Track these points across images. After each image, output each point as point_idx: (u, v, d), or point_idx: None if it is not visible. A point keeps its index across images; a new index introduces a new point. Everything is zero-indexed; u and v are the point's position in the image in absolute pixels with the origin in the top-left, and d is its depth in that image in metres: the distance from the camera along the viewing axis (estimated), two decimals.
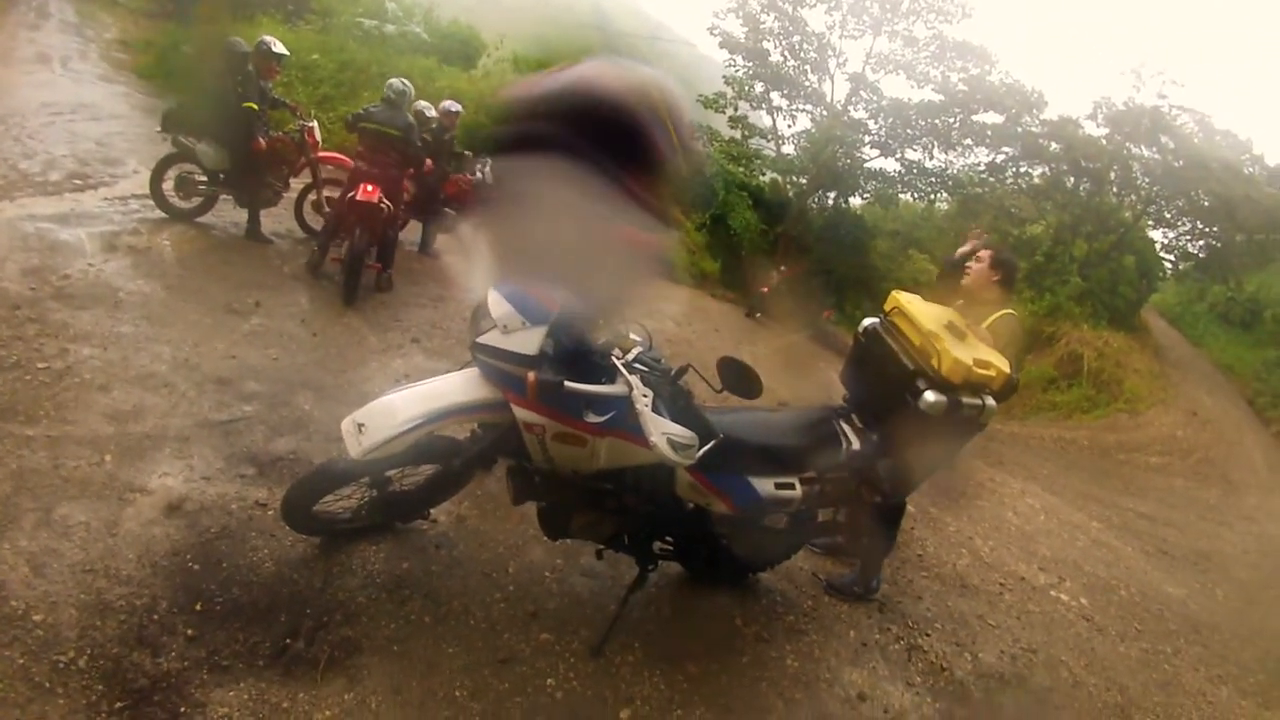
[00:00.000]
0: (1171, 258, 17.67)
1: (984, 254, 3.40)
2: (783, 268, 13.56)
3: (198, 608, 2.41)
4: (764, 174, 16.84)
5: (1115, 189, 16.90)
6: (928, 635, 3.42)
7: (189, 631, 2.32)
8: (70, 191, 6.21)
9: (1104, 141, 16.05)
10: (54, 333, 3.83)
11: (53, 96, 9.55)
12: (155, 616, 2.34)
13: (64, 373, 3.51)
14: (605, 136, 1.86)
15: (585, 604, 2.91)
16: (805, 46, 16.39)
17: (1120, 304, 15.77)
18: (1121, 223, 16.82)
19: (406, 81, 6.00)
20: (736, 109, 16.65)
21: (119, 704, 2.05)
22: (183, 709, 2.09)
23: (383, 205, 5.46)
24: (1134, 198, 16.96)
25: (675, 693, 2.62)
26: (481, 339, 2.29)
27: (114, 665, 2.16)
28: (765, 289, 12.65)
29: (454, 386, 2.39)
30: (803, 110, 17.01)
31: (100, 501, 2.76)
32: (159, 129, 5.99)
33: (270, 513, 2.87)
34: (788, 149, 17.11)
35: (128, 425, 3.25)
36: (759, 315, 12.32)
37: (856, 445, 2.89)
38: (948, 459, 3.26)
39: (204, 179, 6.02)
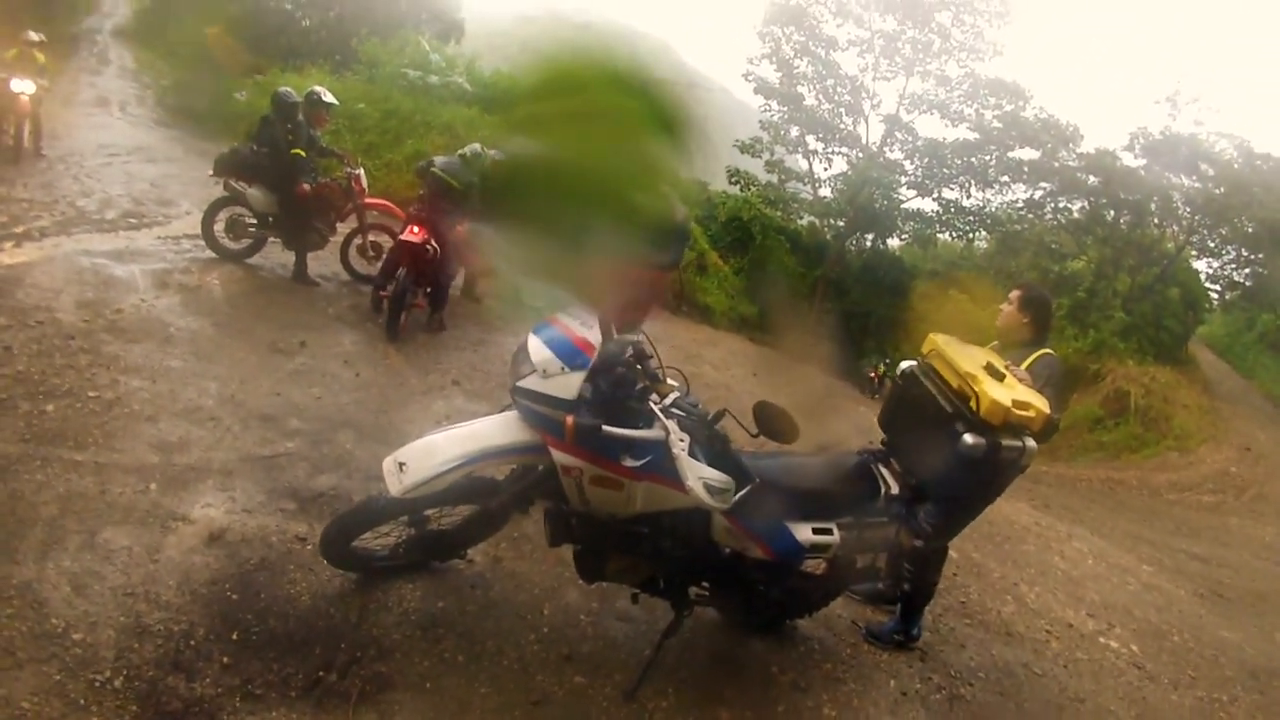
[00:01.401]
0: (1217, 288, 17.20)
1: (1013, 295, 3.34)
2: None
3: (234, 636, 2.44)
4: (801, 217, 16.94)
5: (1156, 220, 16.57)
6: (970, 685, 3.30)
7: (224, 659, 2.35)
8: (125, 229, 6.50)
9: (1142, 172, 15.81)
10: (106, 364, 3.98)
11: (110, 138, 10.06)
12: (192, 642, 2.38)
13: (114, 402, 3.63)
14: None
15: (620, 648, 2.87)
16: (839, 90, 16.57)
17: (1166, 338, 15.35)
18: (1164, 254, 16.46)
19: (484, 147, 6.37)
20: (773, 153, 16.84)
21: None
22: None
23: (429, 247, 5.64)
24: (1176, 228, 16.62)
25: None
26: (521, 383, 2.33)
27: (149, 687, 2.19)
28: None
29: (494, 428, 2.42)
30: (838, 153, 17.15)
31: (143, 528, 2.83)
32: (211, 173, 6.25)
33: (309, 547, 2.91)
34: (824, 192, 17.26)
35: (173, 456, 3.34)
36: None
37: (895, 489, 2.83)
38: (989, 502, 3.19)
39: (253, 222, 6.27)
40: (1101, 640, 4.13)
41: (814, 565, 2.90)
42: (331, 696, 2.33)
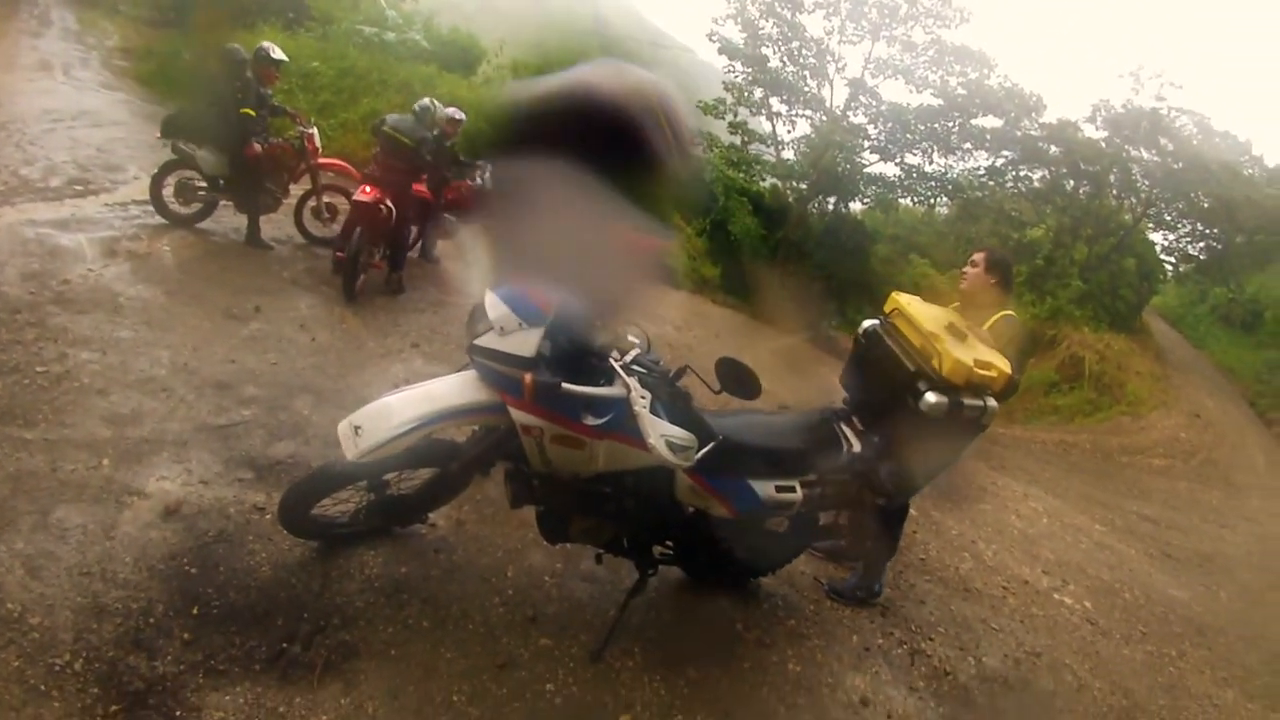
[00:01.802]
0: (1172, 260, 17.67)
1: (979, 256, 3.38)
2: None
3: (194, 611, 2.40)
4: (764, 179, 16.81)
5: (1115, 192, 16.89)
6: (931, 639, 3.40)
7: (185, 635, 2.31)
8: (71, 197, 6.22)
9: (1103, 144, 16.06)
10: (53, 337, 3.83)
11: (54, 103, 9.57)
12: (151, 620, 2.33)
13: (62, 376, 3.50)
14: (603, 139, 1.85)
15: (585, 609, 2.89)
16: (804, 52, 16.39)
17: (1121, 307, 15.77)
18: (1122, 225, 16.82)
19: (435, 101, 6.19)
20: (736, 115, 16.64)
21: (114, 707, 2.05)
22: (178, 713, 2.08)
23: (383, 206, 5.53)
24: (1134, 200, 16.96)
25: (676, 698, 2.59)
26: (478, 341, 2.28)
27: (110, 668, 2.15)
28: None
29: (451, 389, 2.37)
30: (802, 115, 17.00)
31: (97, 505, 2.75)
32: (159, 135, 6.00)
33: (268, 517, 2.86)
34: (788, 154, 17.11)
35: (126, 429, 3.24)
36: None
37: (857, 447, 2.87)
38: (950, 461, 3.25)
39: (204, 185, 6.03)
40: (1056, 596, 4.28)
41: (777, 523, 2.92)
42: (296, 668, 2.31)
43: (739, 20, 16.43)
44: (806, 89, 16.56)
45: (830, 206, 17.23)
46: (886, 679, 3.03)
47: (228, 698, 2.15)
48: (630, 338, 2.52)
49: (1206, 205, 15.48)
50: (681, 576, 3.15)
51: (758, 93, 16.77)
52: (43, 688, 2.04)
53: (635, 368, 2.37)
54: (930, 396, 2.65)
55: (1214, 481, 9.82)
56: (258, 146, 5.89)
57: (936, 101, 15.76)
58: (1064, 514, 6.25)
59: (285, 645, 2.37)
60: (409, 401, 2.31)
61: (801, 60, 16.47)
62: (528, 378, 2.13)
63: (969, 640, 3.49)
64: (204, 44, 11.88)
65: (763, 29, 16.40)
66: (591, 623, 2.80)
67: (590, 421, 2.28)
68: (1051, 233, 16.89)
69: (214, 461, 3.17)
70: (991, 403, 2.77)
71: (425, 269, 6.83)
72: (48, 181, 6.49)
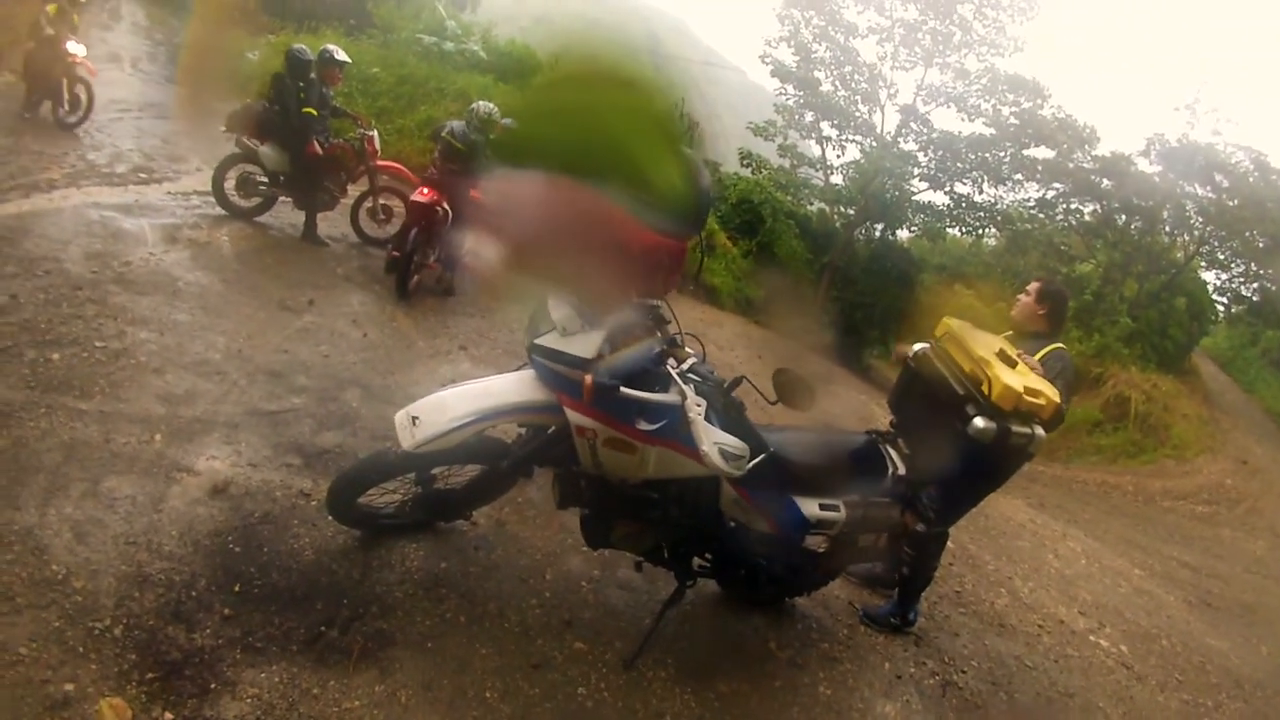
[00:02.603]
0: (1224, 300, 17.03)
1: (1032, 286, 3.34)
2: None
3: (236, 589, 2.45)
4: (812, 203, 16.76)
5: (1168, 228, 16.41)
6: (963, 672, 3.32)
7: (225, 611, 2.35)
8: (135, 184, 6.45)
9: (1157, 179, 15.60)
10: (113, 315, 3.96)
11: (122, 94, 9.95)
12: (193, 593, 2.38)
13: (120, 353, 3.62)
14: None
15: (620, 616, 2.89)
16: (856, 77, 16.32)
17: (1170, 346, 15.29)
18: (1173, 263, 16.33)
19: (492, 107, 6.22)
20: (786, 138, 16.61)
21: (150, 674, 2.08)
22: (213, 685, 2.11)
23: (439, 208, 5.64)
24: (1187, 238, 16.46)
25: (706, 711, 2.57)
26: (540, 340, 2.31)
27: (149, 637, 2.19)
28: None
29: (509, 386, 2.41)
30: (852, 140, 16.87)
31: (147, 478, 2.83)
32: (224, 128, 6.20)
33: (314, 503, 2.91)
34: (836, 179, 16.98)
35: (179, 408, 3.33)
36: None
37: (902, 470, 2.84)
38: (992, 488, 3.19)
39: (264, 180, 6.22)
40: (1092, 639, 4.16)
41: (817, 542, 2.90)
42: (332, 652, 2.33)
43: (792, 43, 16.43)
44: (857, 114, 16.46)
45: (877, 233, 17.07)
46: (917, 708, 2.97)
47: (263, 675, 2.18)
48: (686, 348, 2.52)
49: (1261, 245, 14.98)
50: (718, 593, 3.13)
51: (808, 116, 16.71)
52: (81, 649, 2.08)
53: (691, 376, 2.37)
54: (979, 421, 2.61)
55: (1259, 531, 9.46)
56: (319, 146, 6.07)
57: (988, 131, 15.56)
58: (1103, 556, 6.08)
59: (323, 629, 2.39)
60: (467, 396, 2.35)
61: (853, 85, 16.41)
62: (588, 379, 2.14)
63: (1002, 676, 3.41)
64: (267, 45, 12.30)
65: (815, 52, 16.37)
66: (626, 631, 2.79)
67: (644, 427, 2.29)
68: (1101, 268, 16.50)
69: (263, 445, 3.24)
70: (1039, 431, 2.71)
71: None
72: (113, 167, 6.74)
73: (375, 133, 6.52)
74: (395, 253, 5.82)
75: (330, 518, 2.74)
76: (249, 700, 2.10)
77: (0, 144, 6.55)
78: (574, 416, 2.28)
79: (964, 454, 2.68)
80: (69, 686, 1.97)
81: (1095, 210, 16.56)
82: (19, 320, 3.64)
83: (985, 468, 2.86)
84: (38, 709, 1.89)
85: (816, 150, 17.20)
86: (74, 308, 3.92)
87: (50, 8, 7.86)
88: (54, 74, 7.59)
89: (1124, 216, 16.26)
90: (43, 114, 7.70)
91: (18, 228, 4.76)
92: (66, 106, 7.63)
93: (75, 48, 7.75)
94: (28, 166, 6.12)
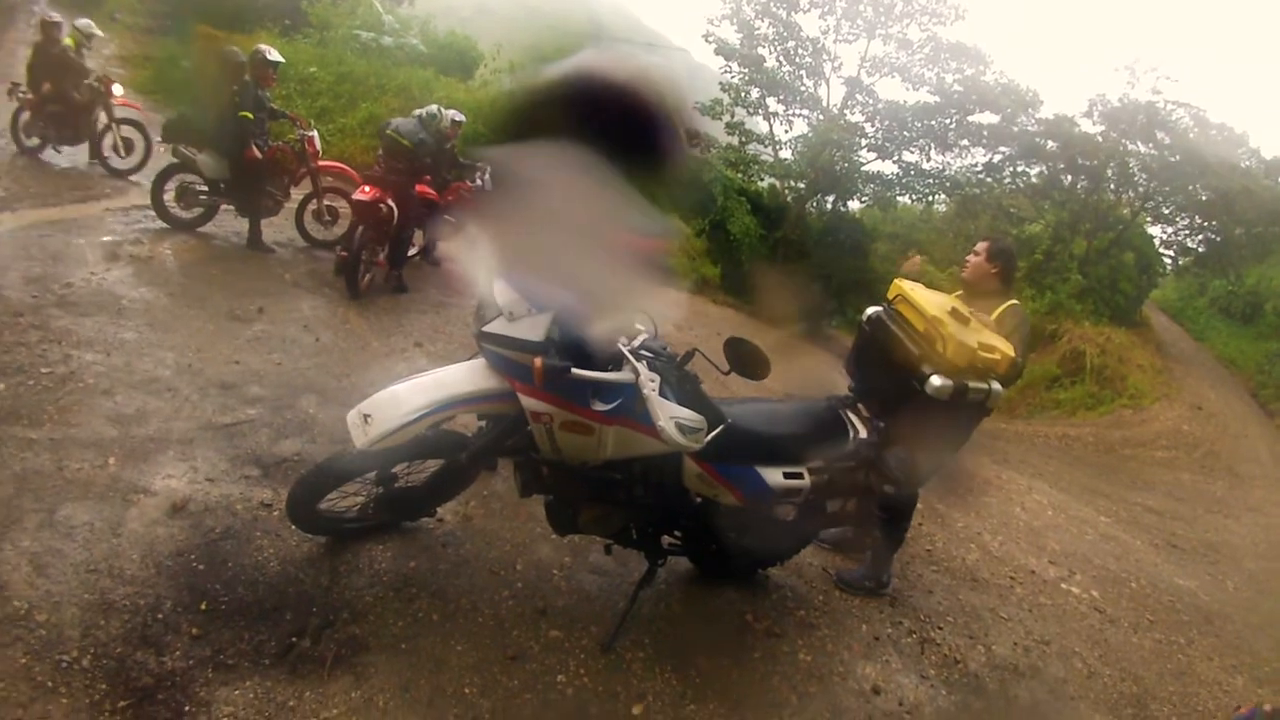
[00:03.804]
0: (1171, 253, 17.65)
1: (981, 245, 3.39)
2: None
3: (203, 607, 2.39)
4: (762, 179, 16.82)
5: (1113, 186, 16.86)
6: (940, 629, 3.39)
7: (194, 631, 2.30)
8: (72, 203, 6.23)
9: (1100, 139, 16.01)
10: (57, 339, 3.84)
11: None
12: (159, 616, 2.32)
13: (67, 378, 3.51)
14: (609, 122, 1.85)
15: (594, 601, 2.89)
16: (800, 51, 16.40)
17: (1121, 300, 15.76)
18: (1120, 220, 16.80)
19: (441, 108, 6.33)
20: (733, 115, 16.65)
21: (123, 703, 2.03)
22: (187, 708, 2.07)
23: (382, 205, 5.54)
24: (1132, 194, 16.94)
25: (688, 688, 2.59)
26: (488, 327, 2.27)
27: (118, 664, 2.14)
28: None
29: (460, 376, 2.37)
30: (799, 115, 17.01)
31: (104, 503, 2.75)
32: (159, 139, 6.01)
33: (275, 513, 2.86)
34: (785, 154, 17.09)
35: (131, 428, 3.24)
36: None
37: (864, 434, 2.87)
38: (956, 445, 3.24)
39: (205, 189, 6.06)
40: (1064, 586, 4.27)
41: (784, 511, 2.92)
42: (306, 662, 2.30)
43: (734, 21, 16.45)
44: (803, 88, 16.57)
45: (829, 205, 17.26)
46: (897, 667, 3.03)
47: (237, 692, 2.14)
48: (637, 324, 2.51)
49: (1204, 198, 15.47)
50: (691, 569, 3.14)
51: (754, 93, 16.77)
52: (50, 684, 2.03)
53: (643, 353, 2.36)
54: (935, 380, 2.64)
55: (1218, 472, 9.80)
56: (257, 150, 5.92)
57: (933, 99, 15.80)
58: (1068, 506, 6.24)
59: (294, 640, 2.36)
60: (418, 389, 2.31)
61: (798, 60, 16.50)
62: (538, 362, 2.11)
63: (978, 629, 3.48)
64: (201, 50, 11.94)
65: (758, 29, 16.42)
66: (601, 615, 2.79)
67: (599, 407, 2.28)
68: (1050, 228, 16.89)
69: (220, 459, 3.17)
70: (996, 386, 2.77)
71: (427, 270, 6.84)
72: (48, 187, 6.50)
73: (315, 133, 6.39)
74: (344, 253, 5.73)
75: (293, 526, 2.69)
76: (225, 719, 2.06)
77: None
78: (528, 402, 2.25)
79: (924, 412, 2.72)
80: None
81: (1042, 172, 16.97)
82: None
83: (946, 425, 2.90)
84: None
85: (764, 126, 17.28)
86: (16, 335, 3.78)
87: (68, 40, 7.68)
88: (87, 111, 7.31)
89: (1070, 177, 16.68)
90: (46, 154, 7.50)
91: None
92: (112, 151, 7.36)
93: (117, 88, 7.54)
94: None
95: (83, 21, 7.57)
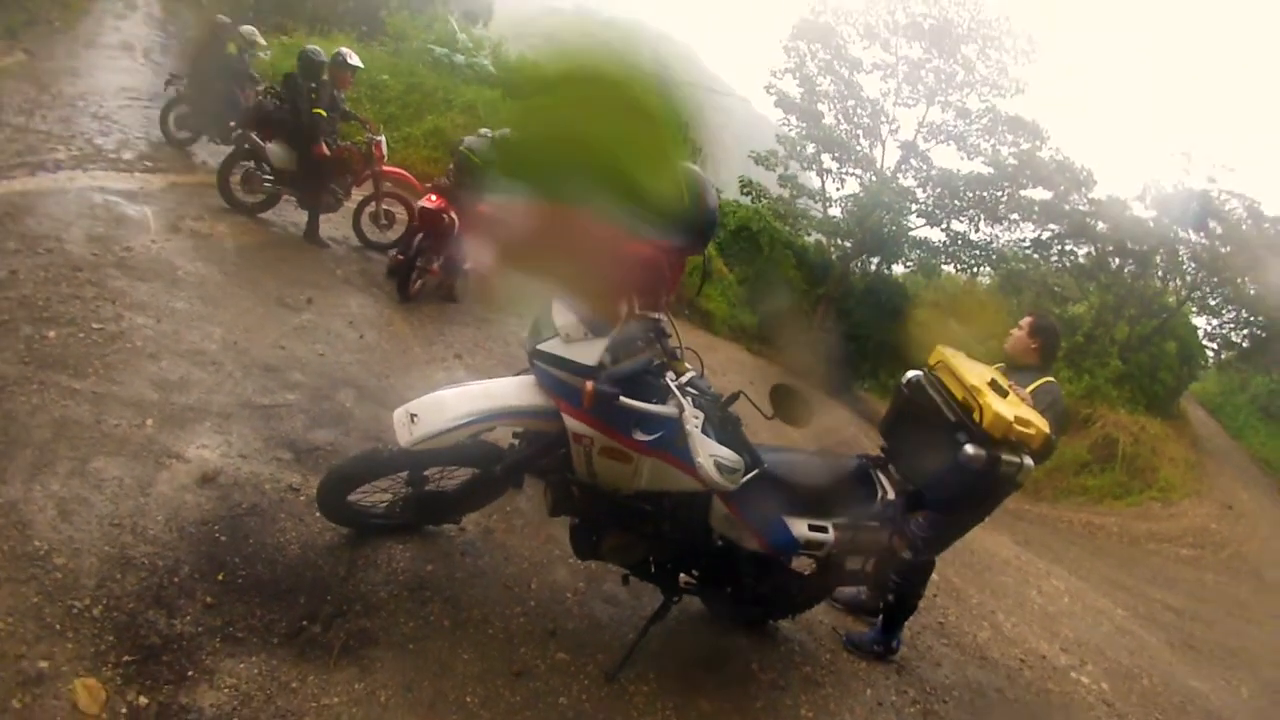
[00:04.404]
0: (1214, 346, 17.19)
1: (1025, 320, 3.38)
2: None
3: (219, 578, 2.43)
4: (809, 234, 16.87)
5: (1160, 273, 16.59)
6: (945, 702, 3.31)
7: (207, 599, 2.33)
8: (141, 171, 6.47)
9: (1151, 224, 15.75)
10: (111, 298, 3.96)
11: (133, 82, 9.99)
12: (176, 579, 2.36)
13: (116, 336, 3.61)
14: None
15: (604, 629, 2.88)
16: (859, 111, 16.49)
17: (1159, 390, 15.40)
18: (1165, 307, 16.49)
19: (508, 132, 6.34)
20: (787, 168, 16.74)
21: (127, 657, 2.06)
22: (190, 672, 2.09)
23: (446, 216, 5.69)
24: (1179, 283, 16.63)
25: None
26: (543, 346, 2.32)
27: (128, 619, 2.17)
28: None
29: (508, 390, 2.42)
30: (852, 174, 16.99)
31: (136, 461, 2.81)
32: (232, 124, 6.23)
33: (302, 498, 2.90)
34: (834, 211, 17.08)
35: (172, 395, 3.32)
36: None
37: (891, 495, 2.84)
38: (980, 517, 3.20)
39: (270, 177, 6.25)
40: (1074, 675, 4.15)
41: (804, 564, 2.90)
42: (313, 647, 2.31)
43: (797, 75, 16.60)
44: (858, 148, 16.63)
45: (873, 267, 17.19)
46: None
47: (242, 665, 2.16)
48: (685, 363, 2.54)
49: (1253, 292, 15.14)
50: (702, 610, 3.12)
51: (810, 148, 16.84)
52: (58, 627, 2.06)
53: (689, 390, 2.38)
54: (969, 448, 2.61)
55: (1243, 576, 9.49)
56: (326, 147, 6.11)
57: (987, 170, 15.75)
58: (1086, 595, 6.08)
59: (305, 624, 2.37)
60: (466, 397, 2.35)
61: (856, 119, 16.58)
62: (589, 385, 2.15)
63: (982, 707, 3.40)
64: (279, 45, 12.38)
65: (820, 85, 16.55)
66: (609, 644, 2.78)
67: (640, 437, 2.30)
68: (1094, 310, 16.65)
69: (255, 438, 3.23)
70: (1028, 461, 2.72)
71: (475, 284, 6.94)
72: (120, 154, 6.76)
73: (383, 138, 6.58)
74: (400, 256, 5.87)
75: (319, 513, 2.72)
76: (226, 690, 2.07)
77: (10, 122, 6.56)
78: (572, 423, 2.28)
79: (954, 480, 2.69)
80: (43, 663, 1.95)
81: (1090, 252, 16.74)
82: (17, 296, 3.65)
83: (974, 495, 2.86)
84: (10, 684, 1.87)
85: (816, 182, 17.34)
86: (73, 288, 3.91)
87: (230, 46, 8.12)
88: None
89: (1118, 259, 16.44)
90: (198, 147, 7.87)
91: (22, 205, 4.77)
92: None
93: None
94: (35, 145, 6.14)
95: (246, 28, 7.79)
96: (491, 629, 2.65)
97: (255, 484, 2.92)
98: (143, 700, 1.97)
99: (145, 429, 3.01)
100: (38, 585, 2.16)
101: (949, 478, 2.69)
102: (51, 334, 3.42)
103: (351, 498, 2.66)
